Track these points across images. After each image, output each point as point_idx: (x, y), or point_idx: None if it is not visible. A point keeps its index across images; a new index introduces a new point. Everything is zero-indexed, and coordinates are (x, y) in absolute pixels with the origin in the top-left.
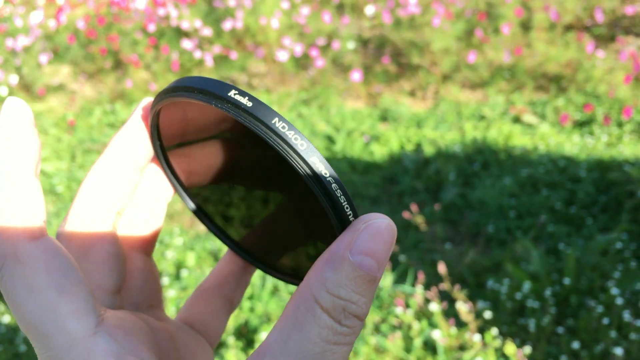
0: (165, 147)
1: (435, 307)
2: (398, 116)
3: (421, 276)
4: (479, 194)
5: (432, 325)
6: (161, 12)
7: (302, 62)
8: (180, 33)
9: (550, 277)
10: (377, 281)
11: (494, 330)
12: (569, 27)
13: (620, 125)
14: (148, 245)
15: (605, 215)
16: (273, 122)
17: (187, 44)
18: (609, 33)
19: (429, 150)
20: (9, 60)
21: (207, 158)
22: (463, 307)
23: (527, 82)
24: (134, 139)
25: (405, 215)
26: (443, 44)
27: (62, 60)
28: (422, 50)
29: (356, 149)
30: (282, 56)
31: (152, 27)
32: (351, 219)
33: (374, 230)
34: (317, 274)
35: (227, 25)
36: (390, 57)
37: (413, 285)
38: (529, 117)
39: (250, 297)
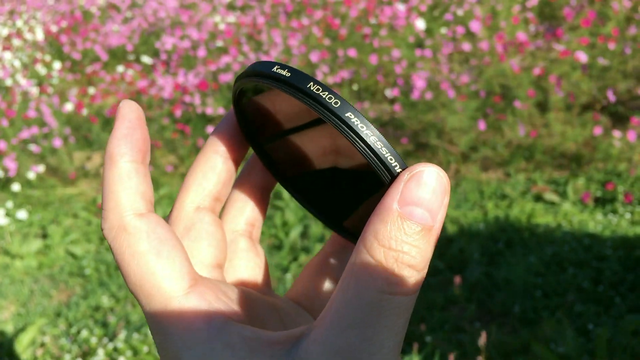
0: (260, 139)
1: None
2: None
3: (451, 358)
4: (505, 273)
5: None
6: (187, 99)
7: None
8: (205, 119)
9: (582, 358)
10: (432, 231)
11: None
12: (586, 107)
13: None
14: (252, 229)
15: (634, 294)
16: (308, 86)
17: (211, 130)
18: (626, 112)
19: (451, 229)
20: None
21: (291, 141)
22: None
23: (546, 161)
24: (223, 132)
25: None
26: (458, 123)
27: (92, 146)
28: (440, 130)
29: None
30: None
31: (178, 113)
32: (398, 170)
33: (421, 178)
34: (369, 227)
35: None
36: (409, 137)
37: None
38: (550, 196)
39: None
